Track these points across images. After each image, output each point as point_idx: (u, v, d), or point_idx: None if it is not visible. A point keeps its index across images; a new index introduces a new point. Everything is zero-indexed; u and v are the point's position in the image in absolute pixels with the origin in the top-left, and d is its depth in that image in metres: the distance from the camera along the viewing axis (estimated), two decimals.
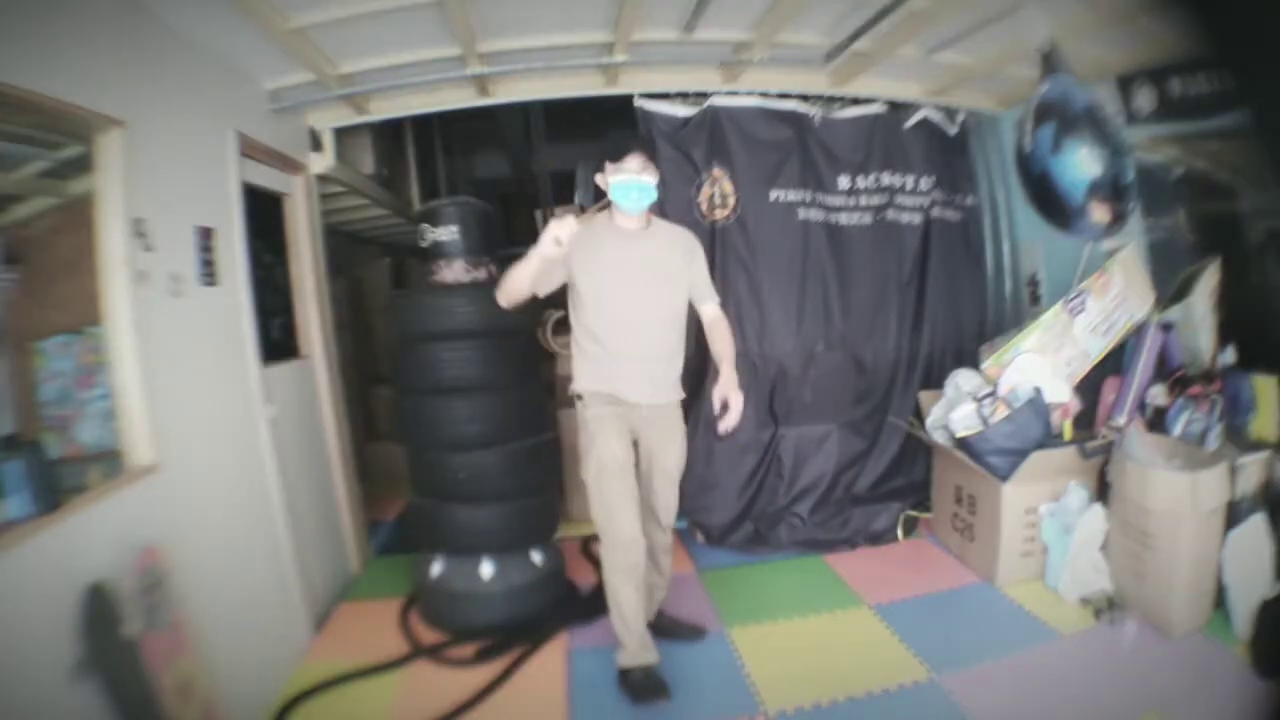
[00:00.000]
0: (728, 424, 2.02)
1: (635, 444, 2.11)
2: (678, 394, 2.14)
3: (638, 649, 2.09)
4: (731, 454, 3.16)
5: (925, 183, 3.36)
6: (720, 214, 3.10)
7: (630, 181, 1.95)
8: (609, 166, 1.97)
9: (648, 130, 3.03)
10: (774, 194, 3.15)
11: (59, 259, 1.74)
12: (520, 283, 1.88)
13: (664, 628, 2.35)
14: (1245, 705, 1.86)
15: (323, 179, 3.15)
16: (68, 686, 1.38)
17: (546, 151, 3.65)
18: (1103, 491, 2.54)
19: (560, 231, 1.73)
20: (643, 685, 2.05)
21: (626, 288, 2.00)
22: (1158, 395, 2.57)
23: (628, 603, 2.06)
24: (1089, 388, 2.70)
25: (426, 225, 2.55)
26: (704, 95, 3.09)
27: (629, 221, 2.04)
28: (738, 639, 2.37)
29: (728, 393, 2.00)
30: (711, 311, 2.16)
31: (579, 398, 2.08)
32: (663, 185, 2.09)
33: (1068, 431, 2.63)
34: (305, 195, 2.98)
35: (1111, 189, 2.30)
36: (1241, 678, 1.98)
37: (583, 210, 4.27)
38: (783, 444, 3.22)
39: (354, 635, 2.53)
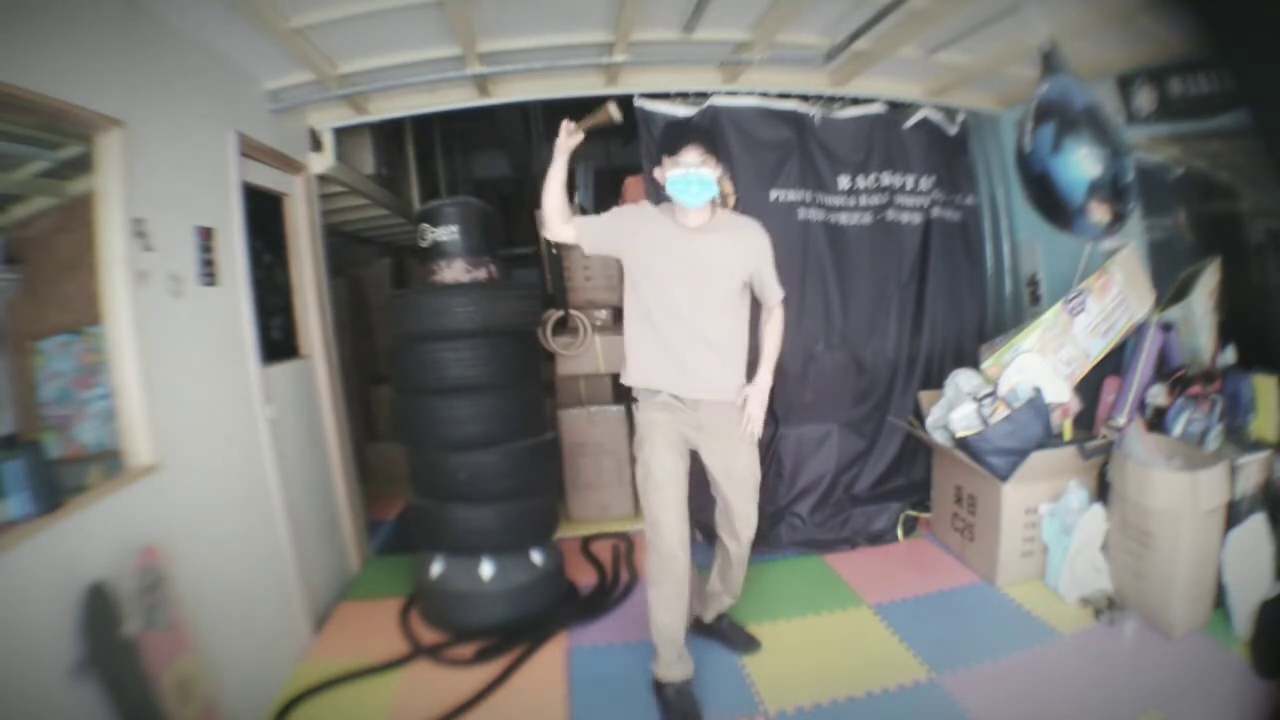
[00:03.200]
0: (746, 425, 1.98)
1: (697, 452, 2.05)
2: (739, 392, 2.01)
3: (673, 661, 2.01)
4: None
5: (925, 183, 3.35)
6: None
7: (689, 176, 1.85)
8: (665, 160, 1.89)
9: (648, 130, 3.03)
10: (774, 194, 3.14)
11: (59, 259, 1.74)
12: (553, 196, 1.95)
13: (722, 631, 2.32)
14: (1245, 705, 1.86)
15: (323, 179, 3.16)
16: (68, 686, 1.38)
17: (547, 151, 3.65)
18: (1103, 491, 2.54)
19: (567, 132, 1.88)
20: (677, 706, 1.98)
21: (684, 281, 1.93)
22: (1158, 395, 2.57)
23: (663, 615, 1.99)
24: (1089, 388, 2.70)
25: (426, 225, 2.55)
26: (704, 95, 3.08)
27: (690, 217, 1.93)
28: None
29: (749, 395, 1.97)
30: (769, 306, 2.08)
31: (634, 399, 2.03)
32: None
33: (1068, 431, 2.63)
34: (305, 195, 2.99)
35: (1111, 189, 2.30)
36: (1241, 678, 1.98)
37: (583, 211, 4.28)
38: (783, 444, 3.22)
39: (354, 635, 2.53)
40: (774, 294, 2.06)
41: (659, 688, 2.04)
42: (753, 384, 1.99)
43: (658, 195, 2.14)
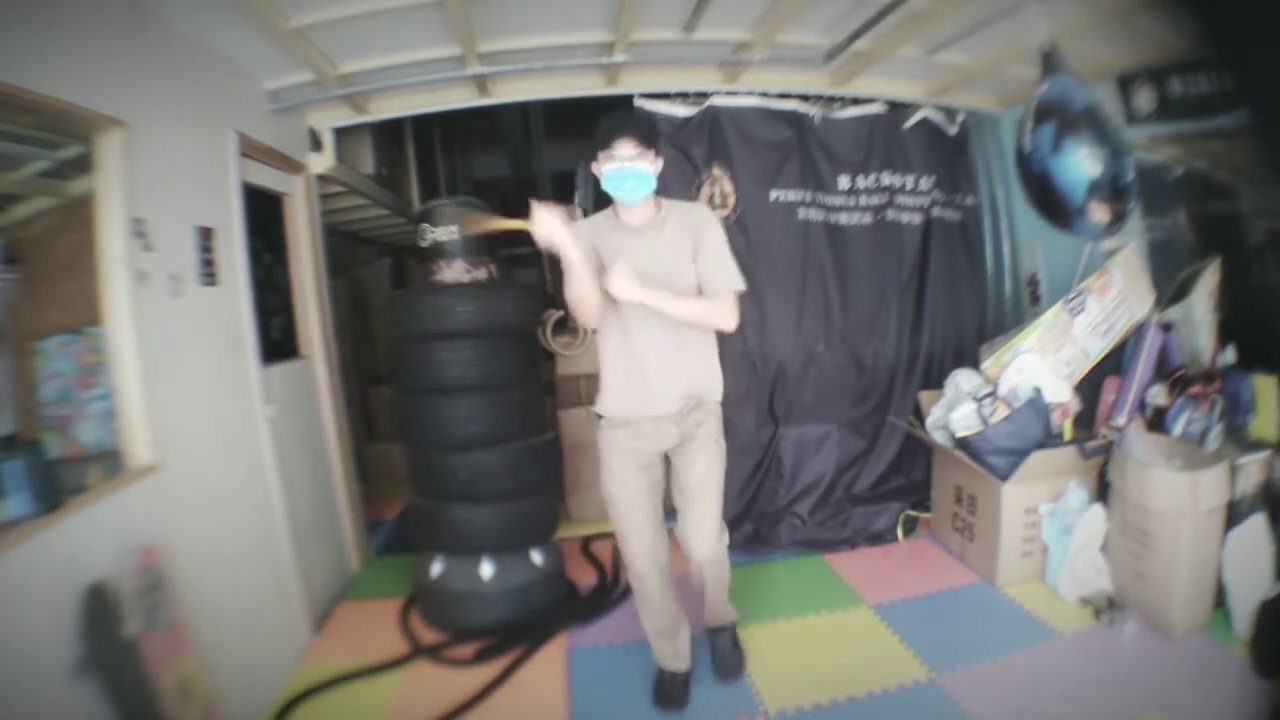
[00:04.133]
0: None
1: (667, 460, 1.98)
2: (708, 393, 1.92)
3: (666, 656, 2.07)
4: (731, 454, 3.14)
5: (925, 183, 3.36)
6: (720, 214, 3.09)
7: (623, 170, 1.74)
8: (600, 155, 1.77)
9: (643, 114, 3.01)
10: (774, 194, 3.15)
11: (59, 259, 1.74)
12: (589, 296, 1.70)
13: (713, 646, 2.21)
14: (1245, 705, 1.86)
15: (323, 179, 3.16)
16: (68, 686, 1.38)
17: (546, 151, 3.66)
18: (1103, 491, 2.54)
19: (546, 230, 1.64)
20: (661, 690, 2.06)
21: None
22: (1158, 395, 2.57)
23: (647, 623, 2.05)
24: (1089, 388, 2.70)
25: (426, 225, 2.55)
26: (704, 95, 3.09)
27: (631, 215, 1.83)
28: (740, 635, 2.35)
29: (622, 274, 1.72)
30: (711, 294, 1.84)
31: (599, 417, 1.95)
32: (663, 181, 1.87)
33: (1068, 431, 2.63)
34: (305, 195, 2.99)
35: (1111, 189, 2.30)
36: (1241, 678, 1.98)
37: (584, 212, 4.28)
38: (783, 444, 3.22)
39: (354, 635, 2.53)
40: (718, 279, 1.82)
41: (658, 672, 2.10)
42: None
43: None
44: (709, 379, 1.94)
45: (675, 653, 2.07)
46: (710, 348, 1.94)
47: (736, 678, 2.15)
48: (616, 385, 1.90)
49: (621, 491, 1.92)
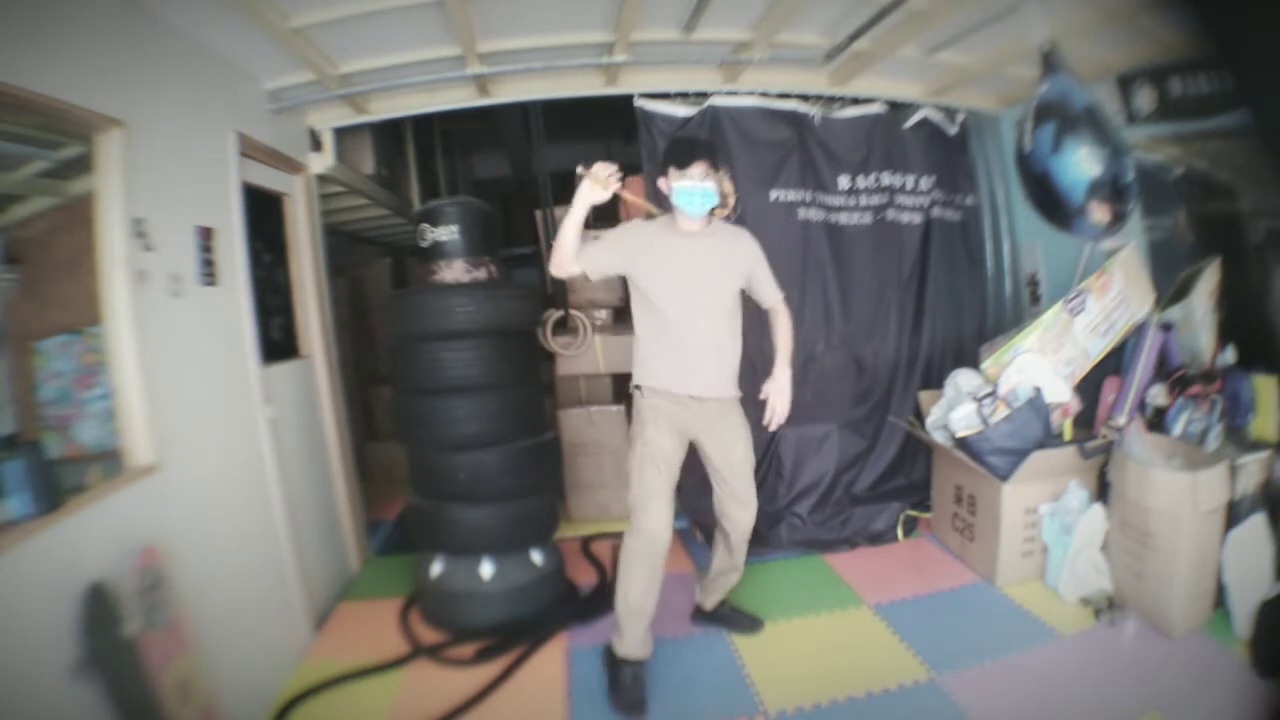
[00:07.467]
0: (770, 419, 2.11)
1: (695, 444, 2.14)
2: (736, 389, 2.15)
3: (636, 641, 2.07)
4: None
5: (925, 182, 3.36)
6: (720, 214, 3.08)
7: (694, 188, 1.98)
8: (673, 172, 1.99)
9: (648, 130, 3.04)
10: (774, 194, 3.15)
11: (59, 259, 1.74)
12: (566, 241, 1.95)
13: (725, 617, 2.42)
14: (1245, 705, 1.86)
15: (323, 179, 3.16)
16: (68, 686, 1.38)
17: (546, 151, 3.65)
18: (1103, 491, 2.54)
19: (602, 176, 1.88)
20: (627, 692, 2.04)
21: (688, 282, 2.04)
22: (1158, 395, 2.57)
23: (636, 587, 2.03)
24: (1089, 388, 2.70)
25: (426, 225, 2.55)
26: (704, 95, 3.09)
27: (690, 224, 2.06)
28: (738, 639, 2.37)
29: (770, 390, 2.11)
30: (773, 307, 2.22)
31: (638, 389, 2.10)
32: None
33: (1068, 431, 2.63)
34: (305, 195, 2.99)
35: (1111, 189, 2.30)
36: (1241, 678, 1.98)
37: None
38: (783, 444, 3.22)
39: (354, 635, 2.53)
40: (773, 294, 2.21)
41: (616, 663, 2.09)
42: (772, 380, 2.12)
43: (658, 197, 2.22)
44: (735, 373, 2.15)
45: (646, 637, 2.09)
46: (738, 355, 2.15)
47: (761, 623, 2.42)
48: (666, 362, 2.06)
49: (663, 456, 2.04)
